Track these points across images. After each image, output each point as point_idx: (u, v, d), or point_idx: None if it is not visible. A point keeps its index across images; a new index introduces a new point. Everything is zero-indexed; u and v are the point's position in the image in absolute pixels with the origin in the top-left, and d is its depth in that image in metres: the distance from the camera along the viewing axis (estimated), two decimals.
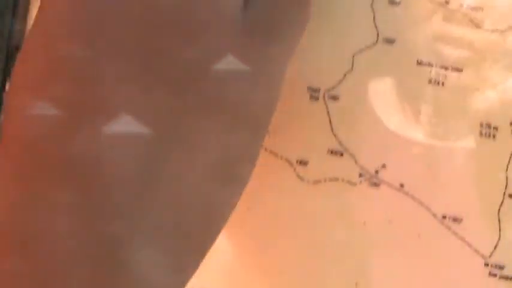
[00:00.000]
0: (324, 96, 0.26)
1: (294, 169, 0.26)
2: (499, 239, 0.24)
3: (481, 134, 0.25)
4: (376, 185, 0.25)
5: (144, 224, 0.22)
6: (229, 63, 0.22)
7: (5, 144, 0.22)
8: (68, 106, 0.22)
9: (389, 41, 0.25)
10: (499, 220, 0.24)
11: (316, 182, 0.26)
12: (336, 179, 0.26)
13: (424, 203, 0.25)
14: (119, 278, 0.21)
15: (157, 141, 0.22)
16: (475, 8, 0.25)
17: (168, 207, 0.22)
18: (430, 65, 0.25)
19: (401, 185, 0.25)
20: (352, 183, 0.26)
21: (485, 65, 0.25)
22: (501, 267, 0.24)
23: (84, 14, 0.22)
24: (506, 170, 0.25)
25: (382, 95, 0.25)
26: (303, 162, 0.26)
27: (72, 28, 0.22)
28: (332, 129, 0.26)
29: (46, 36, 0.22)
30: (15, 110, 0.22)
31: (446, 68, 0.25)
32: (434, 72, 0.25)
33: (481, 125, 0.25)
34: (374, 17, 0.25)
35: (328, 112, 0.26)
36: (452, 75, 0.25)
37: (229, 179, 0.23)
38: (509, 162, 0.25)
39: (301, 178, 0.26)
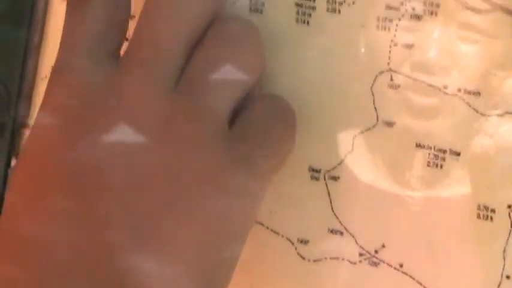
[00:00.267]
0: (324, 177, 0.26)
1: (295, 247, 0.27)
2: None
3: (478, 216, 0.25)
4: (375, 264, 0.26)
5: (142, 233, 0.22)
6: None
7: None
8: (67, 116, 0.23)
9: (389, 124, 0.26)
10: None
11: (317, 260, 0.26)
12: (336, 258, 0.26)
13: (423, 283, 0.26)
14: (117, 286, 0.21)
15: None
16: (473, 92, 0.25)
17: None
18: (428, 147, 0.26)
19: (401, 265, 0.26)
20: (352, 262, 0.26)
21: (483, 149, 0.25)
22: None
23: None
24: (504, 251, 0.25)
25: (381, 177, 0.26)
26: (303, 241, 0.26)
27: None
28: (332, 209, 0.26)
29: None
30: None
31: (444, 151, 0.25)
32: (432, 155, 0.26)
33: (479, 208, 0.25)
34: (374, 100, 0.26)
35: (328, 192, 0.26)
36: (451, 159, 0.25)
37: None
38: (506, 243, 0.25)
39: (302, 256, 0.26)
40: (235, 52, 0.25)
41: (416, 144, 0.26)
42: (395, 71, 0.26)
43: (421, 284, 0.26)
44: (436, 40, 0.25)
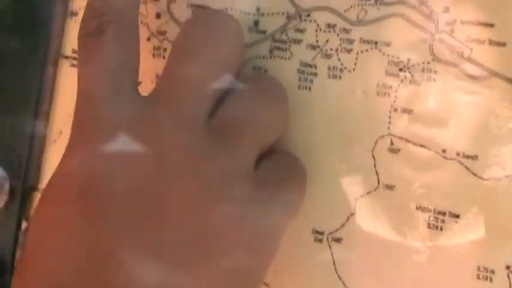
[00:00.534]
0: (327, 239, 0.27)
1: None
2: None
3: (478, 277, 0.26)
4: None
5: (144, 242, 0.22)
6: None
7: None
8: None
9: (390, 187, 0.27)
10: None
11: None
12: None
13: None
14: None
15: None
16: (471, 156, 0.26)
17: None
18: (428, 210, 0.26)
19: None
20: None
21: (482, 212, 0.26)
22: None
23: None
24: None
25: (383, 238, 0.27)
26: None
27: None
28: (336, 270, 0.27)
29: None
30: None
31: (444, 214, 0.26)
32: (432, 217, 0.26)
33: (479, 269, 0.26)
34: (375, 164, 0.27)
35: (332, 254, 0.27)
36: (450, 221, 0.26)
37: None
38: None
39: None
40: (267, 105, 0.27)
41: (416, 207, 0.26)
42: (395, 136, 0.27)
43: None
44: (434, 105, 0.26)
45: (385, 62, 0.27)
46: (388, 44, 0.27)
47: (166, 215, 0.23)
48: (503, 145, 0.26)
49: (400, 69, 0.27)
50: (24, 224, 0.29)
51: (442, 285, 0.26)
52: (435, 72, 0.26)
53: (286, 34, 0.28)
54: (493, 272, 0.26)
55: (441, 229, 0.26)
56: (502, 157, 0.26)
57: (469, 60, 0.26)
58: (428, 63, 0.26)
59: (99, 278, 0.21)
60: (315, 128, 0.27)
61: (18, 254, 0.28)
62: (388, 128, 0.27)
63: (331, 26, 0.27)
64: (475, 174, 0.26)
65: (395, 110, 0.27)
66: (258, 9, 0.28)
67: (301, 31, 0.28)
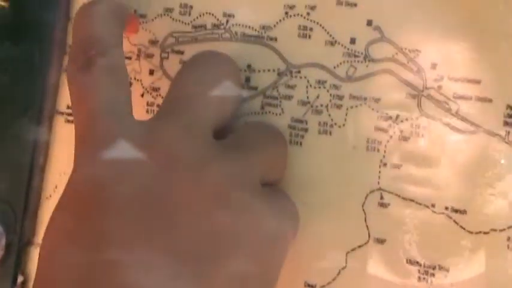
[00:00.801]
0: None
1: None
2: None
3: None
4: None
5: (152, 248, 0.22)
6: None
7: None
8: None
9: (380, 241, 0.27)
10: None
11: None
12: None
13: None
14: None
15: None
16: (460, 211, 0.27)
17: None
18: (418, 264, 0.27)
19: None
20: None
21: (471, 262, 0.26)
22: None
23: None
24: None
25: None
26: None
27: None
28: None
29: None
30: None
31: (433, 267, 0.27)
32: (422, 270, 0.27)
33: None
34: (365, 218, 0.27)
35: None
36: (440, 274, 0.27)
37: None
38: None
39: None
40: (273, 138, 0.28)
41: (406, 260, 0.27)
42: (385, 190, 0.27)
43: None
44: (423, 159, 0.27)
45: (374, 117, 0.27)
46: (377, 100, 0.27)
47: (173, 221, 0.23)
48: (491, 199, 0.26)
49: (390, 125, 0.27)
50: (20, 278, 0.29)
51: None
52: (424, 127, 0.27)
53: (277, 90, 0.28)
54: None
55: (431, 283, 0.27)
56: (489, 212, 0.26)
57: (457, 115, 0.27)
58: (417, 118, 0.27)
59: (108, 283, 0.22)
60: (306, 183, 0.28)
61: None
62: (378, 183, 0.27)
63: (321, 82, 0.28)
64: (463, 228, 0.26)
65: (385, 164, 0.27)
66: (249, 66, 0.28)
67: (292, 87, 0.28)
